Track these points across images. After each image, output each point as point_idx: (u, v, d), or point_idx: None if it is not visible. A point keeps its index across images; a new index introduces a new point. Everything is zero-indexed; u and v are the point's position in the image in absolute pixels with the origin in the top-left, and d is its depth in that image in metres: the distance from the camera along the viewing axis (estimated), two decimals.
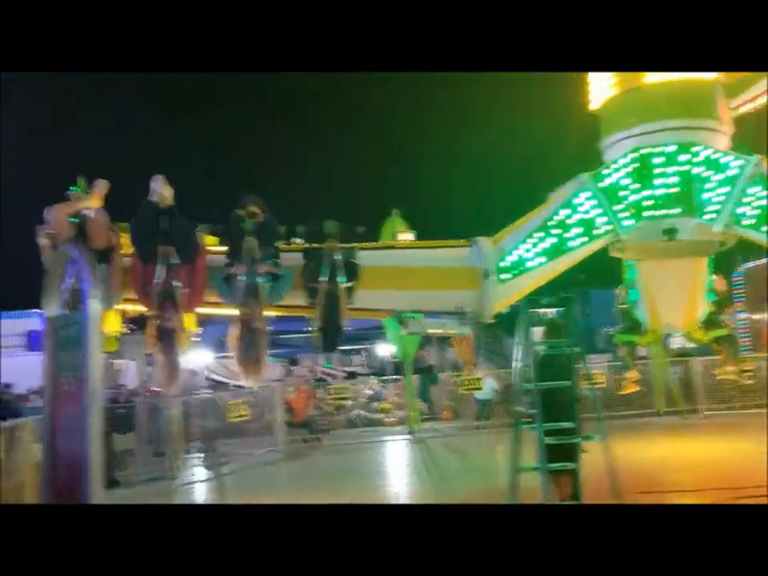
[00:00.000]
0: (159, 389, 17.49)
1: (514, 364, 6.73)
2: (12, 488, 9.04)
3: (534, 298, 7.15)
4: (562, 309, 6.57)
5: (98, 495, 2.77)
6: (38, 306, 6.81)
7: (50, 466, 2.71)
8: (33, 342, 18.64)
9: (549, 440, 5.92)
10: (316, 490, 10.71)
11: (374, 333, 25.12)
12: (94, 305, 2.73)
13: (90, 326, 2.75)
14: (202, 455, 15.88)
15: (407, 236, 17.45)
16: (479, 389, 17.44)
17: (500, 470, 6.75)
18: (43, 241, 6.63)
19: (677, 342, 20.27)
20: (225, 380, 24.20)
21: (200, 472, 13.96)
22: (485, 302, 8.02)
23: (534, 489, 5.97)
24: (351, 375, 26.39)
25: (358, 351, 31.07)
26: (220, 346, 19.43)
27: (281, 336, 27.28)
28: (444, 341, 28.01)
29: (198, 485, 12.67)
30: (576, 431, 6.19)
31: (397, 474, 12.00)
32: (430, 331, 8.26)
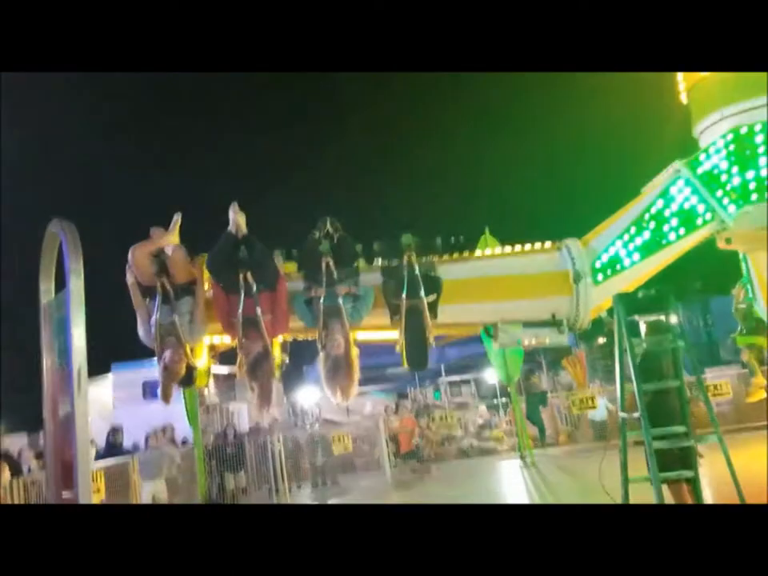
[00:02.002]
0: (256, 418, 17.81)
1: (616, 366, 6.27)
2: None
3: (629, 293, 6.66)
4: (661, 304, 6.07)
5: (86, 492, 2.63)
6: (152, 355, 7.00)
7: (52, 461, 2.61)
8: (148, 391, 19.44)
9: (658, 444, 5.40)
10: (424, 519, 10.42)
11: (481, 361, 24.75)
12: (75, 281, 2.63)
13: (72, 302, 2.66)
14: (312, 489, 15.93)
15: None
16: (593, 407, 16.72)
17: (615, 487, 6.24)
18: (130, 280, 6.79)
19: None
20: (335, 418, 24.39)
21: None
22: (579, 307, 7.52)
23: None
24: (461, 406, 26.00)
25: (467, 381, 30.71)
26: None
27: (389, 370, 27.39)
28: (556, 364, 27.29)
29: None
30: (689, 434, 5.63)
31: (506, 497, 11.53)
32: (525, 342, 7.80)
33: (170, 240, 6.90)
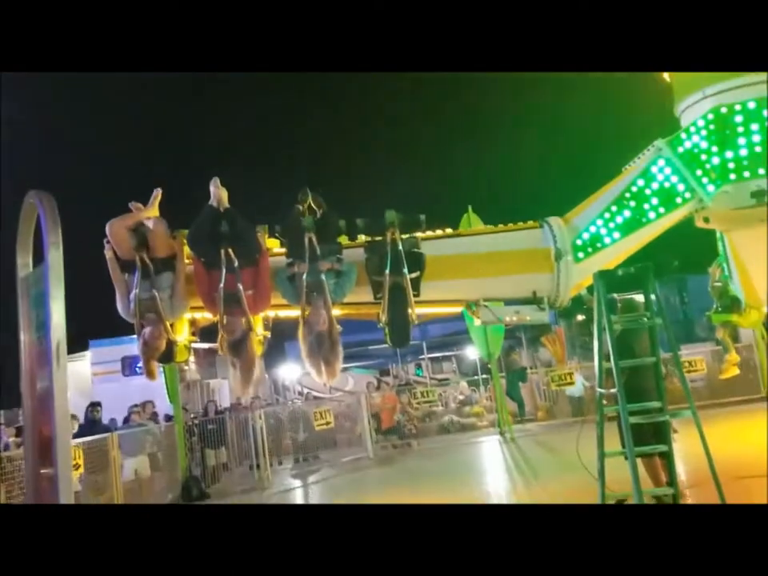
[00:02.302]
0: (238, 395, 17.86)
1: (594, 343, 6.34)
2: (102, 502, 9.29)
3: (609, 271, 6.71)
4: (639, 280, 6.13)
5: (65, 468, 2.63)
6: (131, 332, 6.95)
7: (30, 436, 2.60)
8: (127, 367, 19.35)
9: (634, 419, 5.49)
10: (405, 491, 10.59)
11: (463, 338, 24.91)
12: (54, 254, 2.61)
13: (50, 276, 2.63)
14: (292, 465, 16.04)
15: None
16: (571, 383, 16.93)
17: (591, 461, 6.35)
18: (108, 254, 6.73)
19: None
20: (318, 393, 24.48)
21: (290, 481, 14.04)
22: (560, 284, 7.56)
23: (627, 479, 5.54)
24: (443, 382, 26.21)
25: (448, 358, 30.89)
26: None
27: (370, 347, 27.48)
28: (536, 341, 27.53)
29: (287, 493, 12.72)
30: (663, 410, 5.73)
31: (486, 472, 11.70)
32: (506, 320, 7.83)
33: (149, 214, 6.84)
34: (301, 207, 7.09)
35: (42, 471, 2.90)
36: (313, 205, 7.11)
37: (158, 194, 6.96)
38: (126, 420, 13.64)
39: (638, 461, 5.88)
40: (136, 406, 13.73)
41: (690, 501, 7.07)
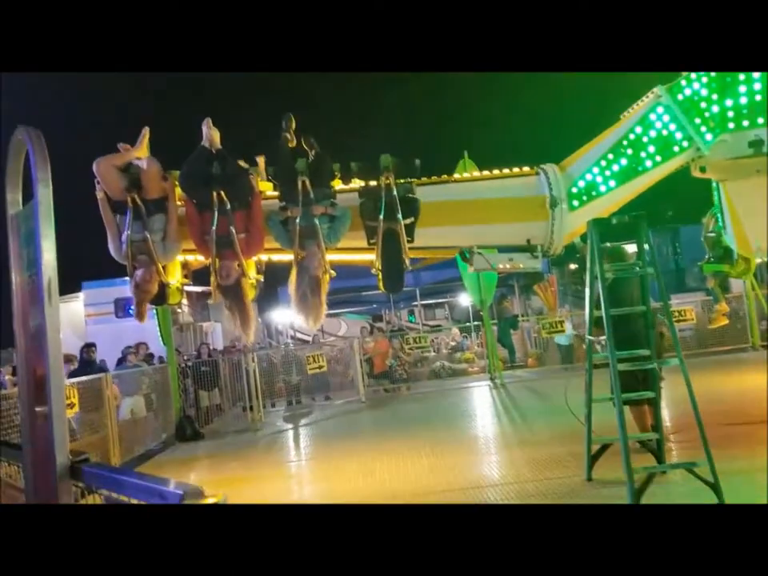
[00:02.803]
0: (236, 340, 17.98)
1: (587, 291, 6.37)
2: (97, 441, 9.44)
3: (603, 219, 6.70)
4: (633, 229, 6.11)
5: (59, 406, 2.66)
6: (125, 275, 6.92)
7: (24, 375, 2.62)
8: (120, 309, 19.38)
9: (622, 367, 5.56)
10: (396, 432, 10.78)
11: (456, 285, 24.98)
12: (43, 191, 2.58)
13: (41, 213, 2.61)
14: (286, 407, 16.27)
15: None
16: (562, 331, 17.08)
17: (579, 407, 6.47)
18: (99, 194, 6.65)
19: None
20: (309, 338, 24.64)
21: (282, 423, 14.26)
22: (554, 232, 7.56)
23: (613, 424, 5.65)
24: (435, 328, 26.40)
25: (441, 305, 31.03)
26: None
27: (363, 293, 27.57)
28: (528, 289, 27.66)
29: (279, 435, 12.93)
30: (652, 358, 5.79)
31: (475, 416, 11.90)
32: (500, 267, 7.85)
33: (138, 154, 6.73)
34: (288, 135, 6.98)
35: (36, 409, 2.92)
36: (304, 146, 7.02)
37: (145, 132, 6.84)
38: (122, 361, 13.74)
39: (627, 408, 5.99)
40: (131, 347, 13.81)
41: (673, 446, 7.24)
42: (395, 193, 6.91)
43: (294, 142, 7.02)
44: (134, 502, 2.29)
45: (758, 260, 10.93)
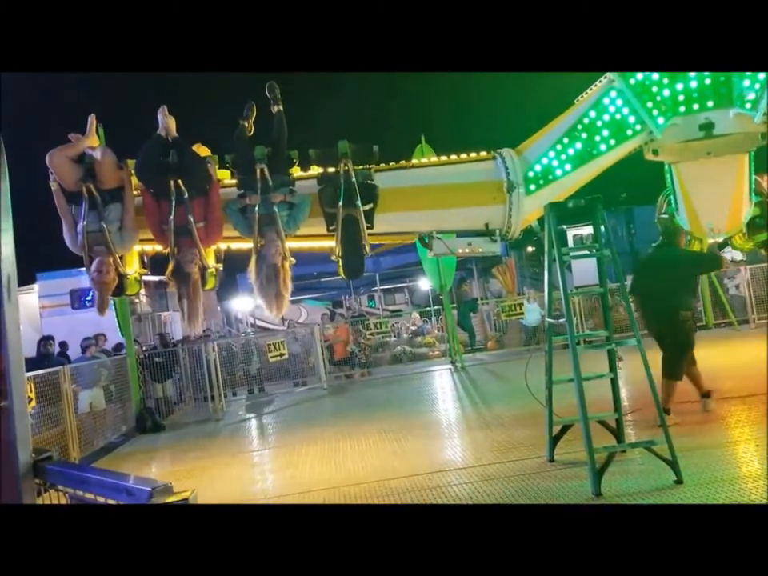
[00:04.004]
0: (189, 328, 17.78)
1: (545, 274, 6.47)
2: (56, 435, 9.28)
3: (560, 202, 6.79)
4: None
5: (20, 401, 2.63)
6: (80, 265, 6.77)
7: None
8: (76, 300, 19.01)
9: (581, 348, 5.68)
10: (359, 418, 10.82)
11: (415, 270, 25.10)
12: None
13: None
14: (247, 396, 16.19)
15: None
16: (521, 314, 17.30)
17: (540, 388, 6.58)
18: (53, 185, 6.50)
19: (727, 256, 19.68)
20: (270, 325, 24.53)
21: (244, 413, 14.20)
22: (512, 216, 7.64)
23: (573, 404, 5.76)
24: (395, 313, 26.53)
25: (401, 289, 31.15)
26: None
27: (323, 279, 27.51)
28: (487, 272, 27.93)
29: (241, 424, 12.88)
30: (610, 338, 5.93)
31: (437, 400, 12.02)
32: (459, 251, 7.92)
33: (88, 143, 6.60)
34: (246, 124, 6.89)
35: None
36: (268, 95, 6.83)
37: (92, 120, 6.70)
38: (83, 352, 13.47)
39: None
40: (90, 338, 13.55)
41: (630, 423, 7.43)
42: (354, 179, 6.90)
43: (253, 130, 6.94)
44: (101, 500, 2.27)
45: (711, 240, 11.22)
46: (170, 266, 6.63)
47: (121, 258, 6.62)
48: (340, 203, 6.84)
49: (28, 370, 9.17)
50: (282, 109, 6.83)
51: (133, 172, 6.61)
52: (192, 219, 6.44)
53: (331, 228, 7.00)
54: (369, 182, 7.07)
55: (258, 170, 6.62)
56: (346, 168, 6.90)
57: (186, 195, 6.41)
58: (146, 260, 7.46)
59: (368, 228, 7.00)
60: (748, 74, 7.74)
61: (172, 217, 6.40)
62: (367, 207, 6.94)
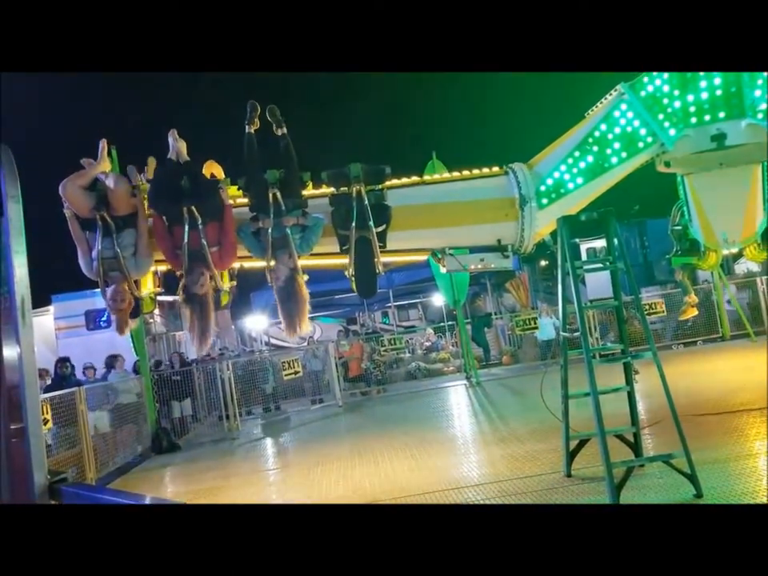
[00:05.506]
0: (197, 349, 17.85)
1: (558, 287, 6.44)
2: (72, 457, 9.31)
3: (573, 216, 6.78)
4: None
5: (35, 423, 2.64)
6: (95, 286, 6.83)
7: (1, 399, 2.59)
8: (91, 321, 19.12)
9: (597, 362, 5.63)
10: (374, 435, 10.78)
11: (429, 286, 25.08)
12: (13, 207, 2.57)
13: (12, 229, 2.59)
14: (262, 415, 16.17)
15: None
16: (535, 328, 17.22)
17: (556, 403, 6.53)
18: (68, 213, 6.54)
19: (742, 267, 19.55)
20: (284, 343, 24.56)
21: (259, 431, 14.18)
22: (524, 231, 7.64)
23: (590, 418, 5.71)
24: (409, 329, 26.47)
25: (414, 305, 31.08)
26: (275, 311, 19.70)
27: (337, 296, 27.52)
28: (500, 287, 27.87)
29: (256, 443, 12.86)
30: (626, 352, 5.88)
31: (453, 416, 11.95)
32: (471, 267, 7.91)
33: (100, 169, 6.63)
34: (252, 127, 6.84)
35: (12, 427, 2.88)
36: (269, 119, 6.86)
37: (104, 144, 6.75)
38: (108, 372, 13.51)
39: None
40: (114, 356, 13.59)
41: (648, 437, 7.35)
42: (366, 201, 6.90)
43: (258, 125, 6.88)
44: None
45: (725, 251, 11.15)
46: (181, 288, 6.64)
47: (135, 282, 6.67)
48: (353, 225, 6.84)
49: (46, 392, 9.26)
50: (286, 132, 6.85)
51: (146, 197, 6.66)
52: (206, 244, 6.45)
53: (344, 248, 7.01)
54: (381, 203, 7.07)
55: (271, 195, 6.61)
56: (359, 190, 6.91)
57: (200, 221, 6.42)
58: (159, 275, 7.47)
59: (381, 248, 7.00)
60: (759, 84, 7.72)
61: (186, 242, 6.41)
62: (380, 228, 6.95)
